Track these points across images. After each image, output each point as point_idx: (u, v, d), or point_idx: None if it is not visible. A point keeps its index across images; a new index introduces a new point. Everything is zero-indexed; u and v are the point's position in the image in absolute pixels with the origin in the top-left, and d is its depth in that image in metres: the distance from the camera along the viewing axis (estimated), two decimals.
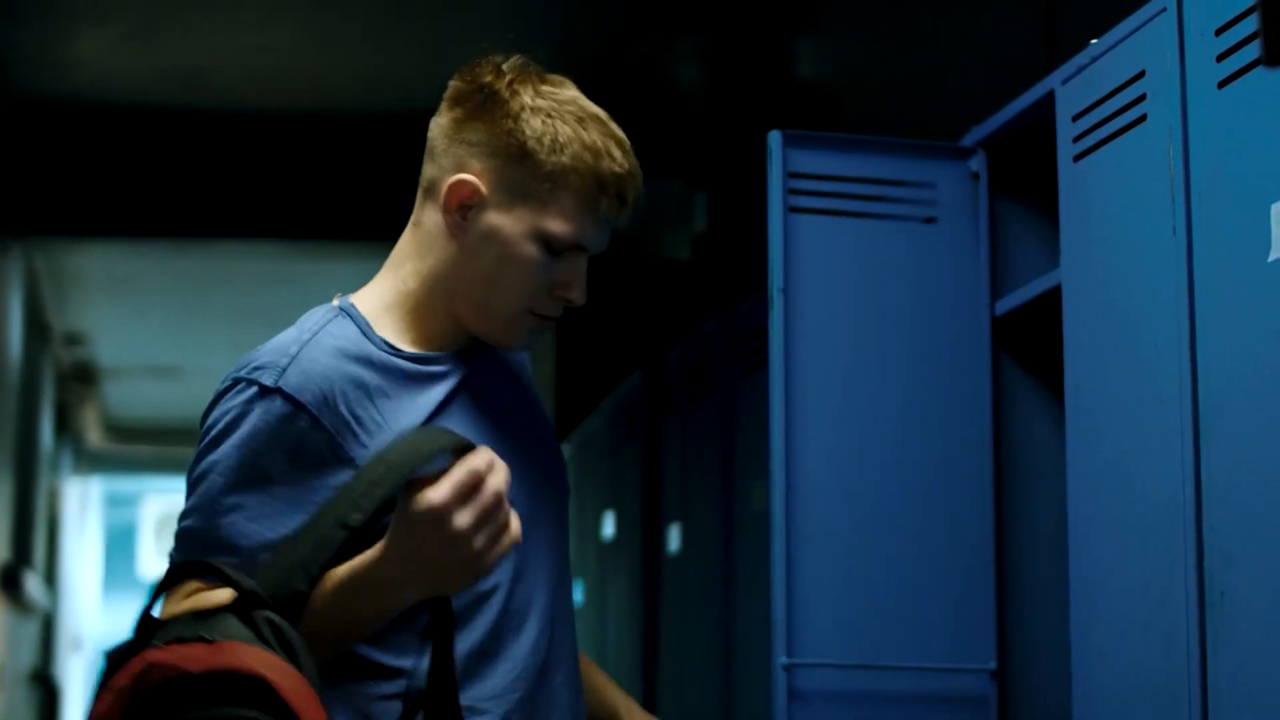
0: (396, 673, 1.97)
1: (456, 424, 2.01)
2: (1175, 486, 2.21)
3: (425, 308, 2.06)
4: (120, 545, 15.14)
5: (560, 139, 2.01)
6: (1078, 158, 2.50)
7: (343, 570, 1.89)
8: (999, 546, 2.80)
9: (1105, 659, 2.37)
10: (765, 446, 2.75)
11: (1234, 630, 2.09)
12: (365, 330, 2.03)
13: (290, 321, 2.08)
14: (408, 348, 2.04)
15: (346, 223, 6.92)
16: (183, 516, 1.97)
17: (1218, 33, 2.16)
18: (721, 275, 5.21)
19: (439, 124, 2.08)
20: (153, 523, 14.89)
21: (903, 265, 2.82)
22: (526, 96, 2.03)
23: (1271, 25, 1.42)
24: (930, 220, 2.84)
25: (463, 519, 1.81)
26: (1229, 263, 2.13)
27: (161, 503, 14.68)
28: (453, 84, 2.09)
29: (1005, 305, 2.81)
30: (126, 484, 14.37)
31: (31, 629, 10.20)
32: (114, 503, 14.99)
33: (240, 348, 2.27)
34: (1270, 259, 2.04)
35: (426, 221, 2.07)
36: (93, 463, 13.47)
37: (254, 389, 1.95)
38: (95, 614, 14.45)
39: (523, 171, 2.02)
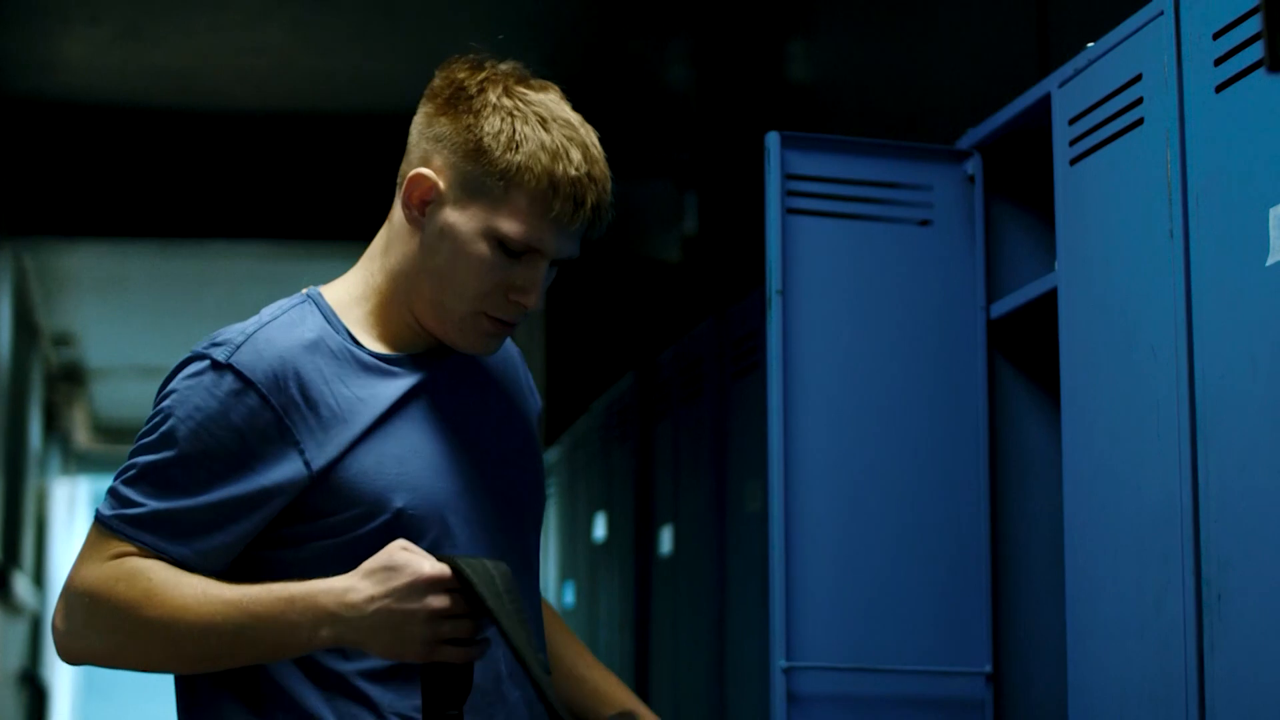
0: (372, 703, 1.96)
1: (414, 424, 2.00)
2: (1172, 490, 2.20)
3: (390, 305, 2.04)
4: None
5: (517, 137, 1.98)
6: (1074, 161, 2.49)
7: (296, 586, 1.88)
8: (994, 550, 2.80)
9: (1101, 662, 2.37)
10: (757, 448, 2.75)
11: (1231, 634, 2.08)
12: (329, 319, 2.01)
13: None
14: (372, 343, 2.02)
15: (336, 223, 6.92)
16: (124, 477, 1.95)
17: (1215, 36, 2.15)
18: (713, 277, 5.20)
19: (415, 119, 2.07)
20: None
21: (898, 268, 2.81)
22: (493, 95, 2.00)
23: (1275, 29, 1.41)
24: (925, 223, 2.84)
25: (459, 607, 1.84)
26: (1227, 266, 2.12)
27: None
28: (433, 80, 2.08)
29: (1001, 308, 2.81)
30: None
31: (20, 630, 10.18)
32: None
33: None
34: (1268, 263, 2.03)
35: (394, 217, 2.06)
36: (81, 463, 13.46)
37: (206, 363, 1.95)
38: None
39: (478, 168, 1.98)
